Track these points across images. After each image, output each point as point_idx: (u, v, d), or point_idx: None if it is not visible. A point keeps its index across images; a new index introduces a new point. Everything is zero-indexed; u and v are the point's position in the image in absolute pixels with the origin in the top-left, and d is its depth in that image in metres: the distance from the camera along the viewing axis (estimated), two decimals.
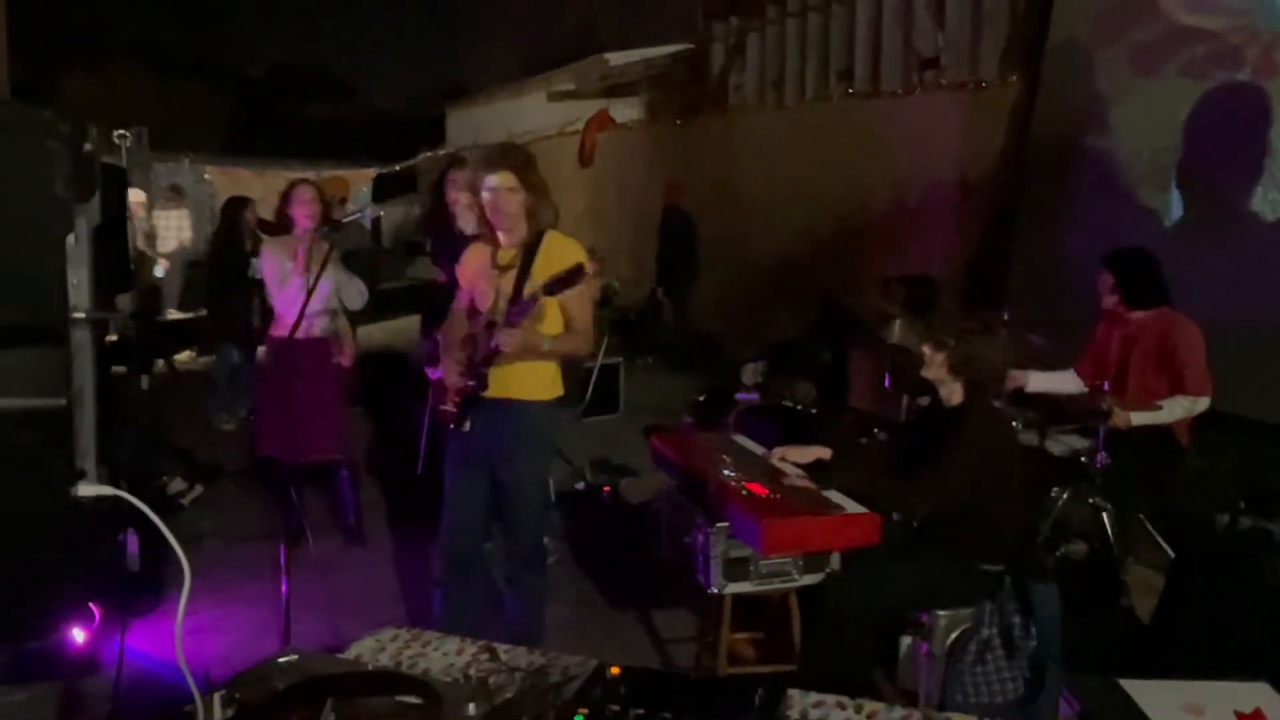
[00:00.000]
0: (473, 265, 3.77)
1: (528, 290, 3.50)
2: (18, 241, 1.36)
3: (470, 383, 3.56)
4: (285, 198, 5.08)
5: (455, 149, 22.18)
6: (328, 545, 5.05)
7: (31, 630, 1.46)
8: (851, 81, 10.93)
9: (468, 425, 3.62)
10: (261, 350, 5.77)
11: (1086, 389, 4.66)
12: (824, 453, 3.82)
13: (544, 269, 3.49)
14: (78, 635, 3.63)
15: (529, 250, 3.59)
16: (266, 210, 9.00)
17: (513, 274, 3.59)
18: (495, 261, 3.67)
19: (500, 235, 3.65)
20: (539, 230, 3.62)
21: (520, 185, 3.55)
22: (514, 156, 3.65)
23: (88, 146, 1.48)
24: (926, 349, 3.58)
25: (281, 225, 5.13)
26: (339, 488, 5.37)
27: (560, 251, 3.57)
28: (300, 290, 4.78)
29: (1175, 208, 6.83)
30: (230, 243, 8.31)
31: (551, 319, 3.60)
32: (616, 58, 16.81)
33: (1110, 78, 7.39)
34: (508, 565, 3.86)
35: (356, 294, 5.31)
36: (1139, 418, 4.37)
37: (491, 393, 3.59)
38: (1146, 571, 4.49)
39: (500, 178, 3.54)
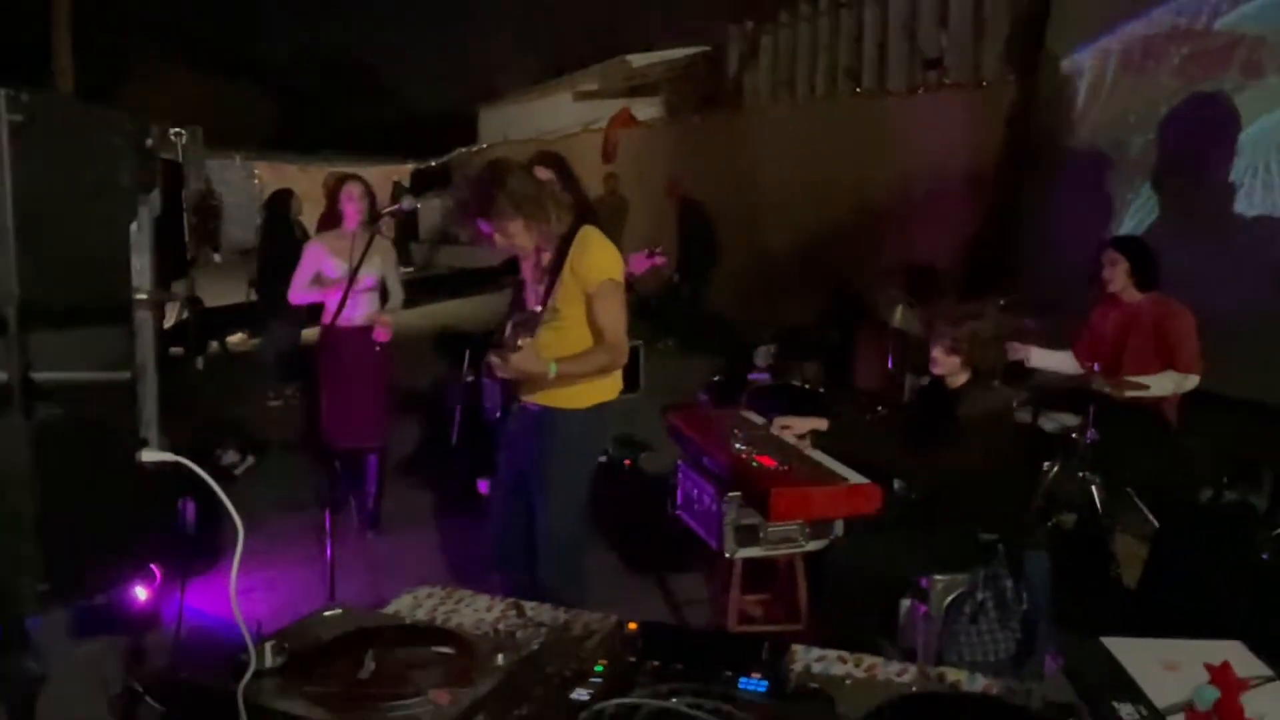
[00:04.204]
0: (528, 262, 3.38)
1: (557, 297, 3.20)
2: (88, 229, 1.39)
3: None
4: (334, 194, 5.01)
5: (487, 145, 22.23)
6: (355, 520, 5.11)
7: (98, 587, 1.49)
8: (859, 81, 10.88)
9: (510, 422, 3.31)
10: (310, 332, 5.78)
11: (1082, 370, 4.66)
12: (820, 424, 3.83)
13: (570, 276, 3.18)
14: (140, 593, 3.72)
15: (561, 253, 3.21)
16: (310, 203, 9.11)
17: (548, 278, 3.24)
18: (540, 262, 3.31)
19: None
20: (569, 229, 3.22)
21: (503, 219, 3.11)
22: (480, 202, 3.13)
23: (149, 142, 1.51)
24: (938, 353, 3.51)
25: (333, 220, 5.10)
26: (365, 473, 5.20)
27: (583, 262, 3.17)
28: (344, 282, 4.81)
29: (1153, 201, 6.81)
30: (277, 231, 8.38)
31: (576, 330, 3.22)
32: (638, 59, 16.76)
33: (1104, 77, 7.34)
34: (545, 577, 3.28)
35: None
36: (1131, 390, 4.36)
37: (523, 395, 3.28)
38: (1133, 541, 4.48)
39: (486, 224, 3.14)
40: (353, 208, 4.89)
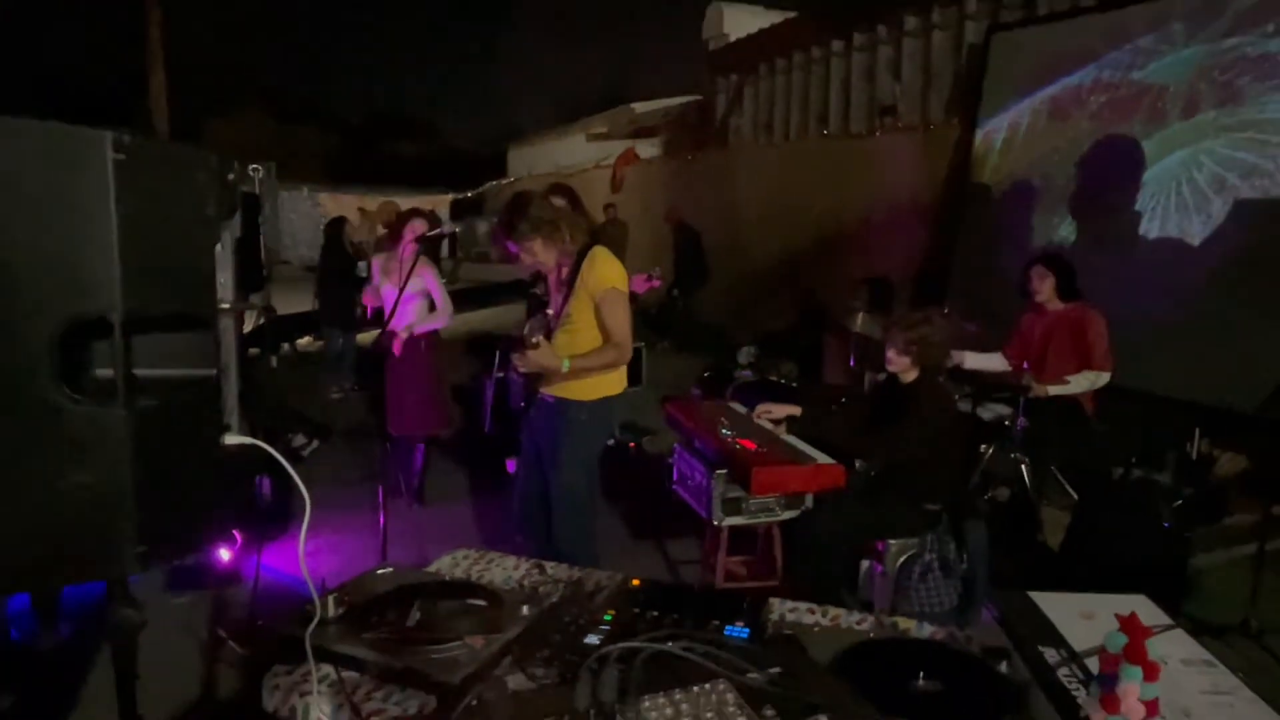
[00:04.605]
0: (552, 276, 3.37)
1: (571, 304, 3.19)
2: (179, 249, 1.39)
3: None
4: (399, 223, 4.98)
5: (514, 178, 22.22)
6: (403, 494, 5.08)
7: (187, 549, 1.49)
8: (826, 125, 10.86)
9: (532, 411, 3.34)
10: (365, 336, 5.74)
11: (1011, 368, 4.65)
12: (795, 410, 3.83)
13: (581, 286, 3.17)
14: (224, 554, 3.73)
15: (575, 268, 3.20)
16: (363, 228, 9.14)
17: (565, 289, 3.25)
18: (561, 275, 3.30)
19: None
20: (583, 247, 3.20)
21: (525, 240, 3.14)
22: (506, 227, 3.18)
23: (231, 177, 1.51)
24: (892, 353, 3.51)
25: (392, 243, 5.05)
26: (414, 457, 5.17)
27: (591, 275, 3.15)
28: (394, 293, 4.79)
29: (1072, 226, 6.80)
30: (334, 251, 8.39)
31: (588, 333, 3.20)
32: (640, 107, 16.79)
33: (1032, 121, 7.32)
34: (560, 542, 3.26)
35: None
36: (1054, 389, 4.36)
37: (542, 388, 3.28)
38: (1056, 511, 4.48)
39: (513, 245, 3.18)
40: (409, 234, 4.84)
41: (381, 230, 9.25)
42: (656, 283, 4.56)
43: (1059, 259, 4.67)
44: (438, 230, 4.38)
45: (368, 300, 5.12)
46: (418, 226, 4.85)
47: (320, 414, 6.98)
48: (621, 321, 3.17)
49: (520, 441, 3.50)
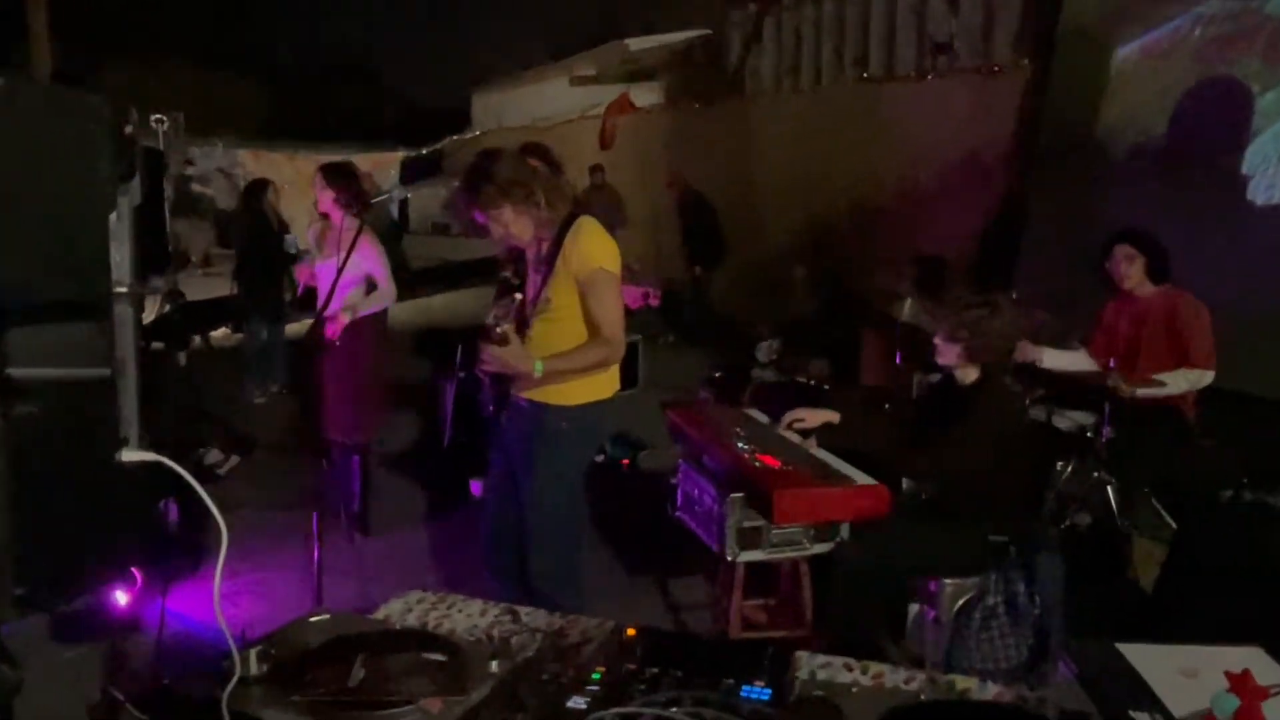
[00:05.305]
0: (530, 252, 3.35)
1: (550, 287, 3.19)
2: (65, 220, 1.38)
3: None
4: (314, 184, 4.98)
5: (480, 132, 22.21)
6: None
7: (77, 592, 1.48)
8: (866, 66, 10.87)
9: (503, 418, 3.34)
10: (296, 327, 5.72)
11: (1098, 368, 4.65)
12: (833, 416, 3.84)
13: (563, 265, 3.16)
14: (120, 597, 3.70)
15: (557, 242, 3.19)
16: (291, 192, 9.12)
17: (544, 267, 3.23)
18: (541, 252, 3.28)
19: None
20: (567, 217, 3.20)
21: (492, 207, 3.15)
22: (469, 191, 3.18)
23: (129, 129, 1.50)
24: (939, 340, 3.53)
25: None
26: (349, 473, 5.13)
27: (575, 251, 3.14)
28: (328, 272, 4.78)
29: (1169, 189, 6.79)
30: (254, 224, 8.32)
31: (571, 323, 3.20)
32: (637, 43, 16.78)
33: (1122, 62, 7.32)
34: (537, 581, 3.27)
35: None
36: (1145, 391, 4.36)
37: (514, 390, 3.28)
38: (1149, 543, 4.48)
39: (481, 215, 3.18)
40: (321, 198, 4.82)
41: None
42: (654, 301, 4.59)
43: (1148, 236, 4.67)
44: (385, 195, 4.38)
45: (302, 276, 5.12)
46: (317, 183, 4.81)
47: (240, 423, 6.97)
48: (612, 310, 3.16)
49: (488, 458, 3.49)
